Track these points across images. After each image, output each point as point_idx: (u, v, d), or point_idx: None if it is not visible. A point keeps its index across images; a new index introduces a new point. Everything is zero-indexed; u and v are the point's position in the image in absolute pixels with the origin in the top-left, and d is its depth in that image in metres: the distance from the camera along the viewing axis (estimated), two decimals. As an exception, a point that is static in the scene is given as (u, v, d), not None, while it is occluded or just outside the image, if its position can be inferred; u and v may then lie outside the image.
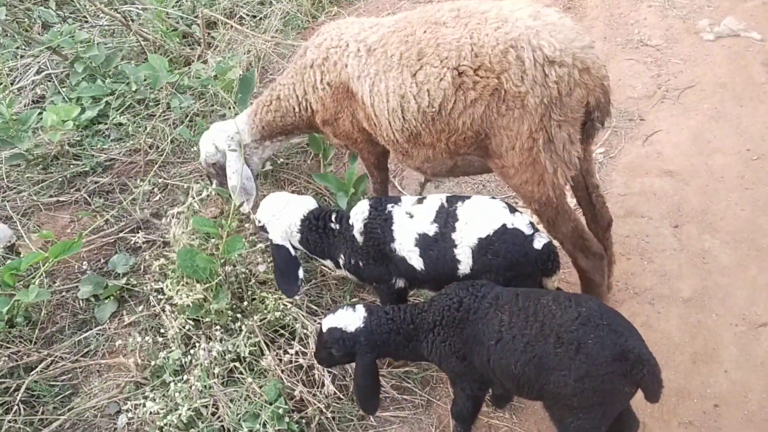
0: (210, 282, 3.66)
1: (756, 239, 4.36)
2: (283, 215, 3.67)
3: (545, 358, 2.77)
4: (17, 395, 3.53)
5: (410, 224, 3.38)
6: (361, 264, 3.54)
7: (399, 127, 3.46)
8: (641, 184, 4.92)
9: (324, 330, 3.19)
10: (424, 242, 3.34)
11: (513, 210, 3.33)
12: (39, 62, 5.90)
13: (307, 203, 3.74)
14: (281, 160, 5.04)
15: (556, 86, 3.07)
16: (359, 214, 3.52)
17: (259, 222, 3.74)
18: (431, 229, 3.33)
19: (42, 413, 3.56)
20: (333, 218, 3.63)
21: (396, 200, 3.52)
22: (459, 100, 3.21)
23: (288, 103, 4.05)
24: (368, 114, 3.58)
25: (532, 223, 3.30)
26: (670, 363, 3.72)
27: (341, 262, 3.62)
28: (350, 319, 3.17)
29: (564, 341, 2.74)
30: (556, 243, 3.45)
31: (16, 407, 3.50)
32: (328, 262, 3.75)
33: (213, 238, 3.83)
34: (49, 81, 5.82)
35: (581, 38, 3.16)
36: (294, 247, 3.69)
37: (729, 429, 3.42)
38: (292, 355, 3.60)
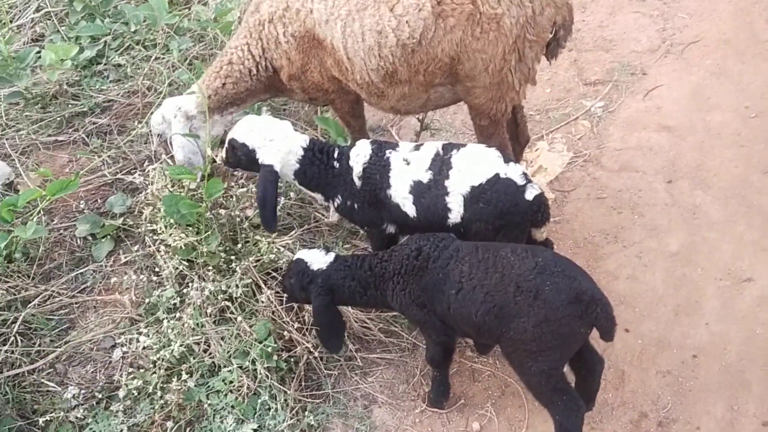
0: (199, 226, 3.70)
1: (747, 196, 4.38)
2: (282, 140, 3.46)
3: (505, 307, 2.88)
4: (14, 327, 3.63)
5: (406, 171, 3.37)
6: (356, 206, 3.52)
7: (375, 66, 3.45)
8: (638, 139, 4.92)
9: (294, 258, 3.33)
10: (418, 189, 3.35)
11: (507, 160, 3.33)
12: (38, 0, 5.84)
13: (300, 135, 3.56)
14: (278, 105, 5.04)
15: (531, 5, 3.25)
16: (360, 156, 3.46)
17: (249, 145, 3.43)
18: (425, 177, 3.33)
19: (39, 345, 3.66)
20: (336, 155, 3.50)
21: (394, 146, 3.49)
22: (439, 28, 3.30)
23: (243, 66, 3.78)
24: (339, 59, 3.53)
25: (525, 174, 3.30)
26: (652, 314, 3.80)
27: (337, 202, 3.56)
28: (318, 258, 3.31)
29: (523, 289, 2.85)
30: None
31: (13, 338, 3.60)
32: (318, 196, 3.64)
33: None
34: (49, 19, 5.74)
35: None
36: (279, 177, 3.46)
37: (706, 379, 3.51)
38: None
